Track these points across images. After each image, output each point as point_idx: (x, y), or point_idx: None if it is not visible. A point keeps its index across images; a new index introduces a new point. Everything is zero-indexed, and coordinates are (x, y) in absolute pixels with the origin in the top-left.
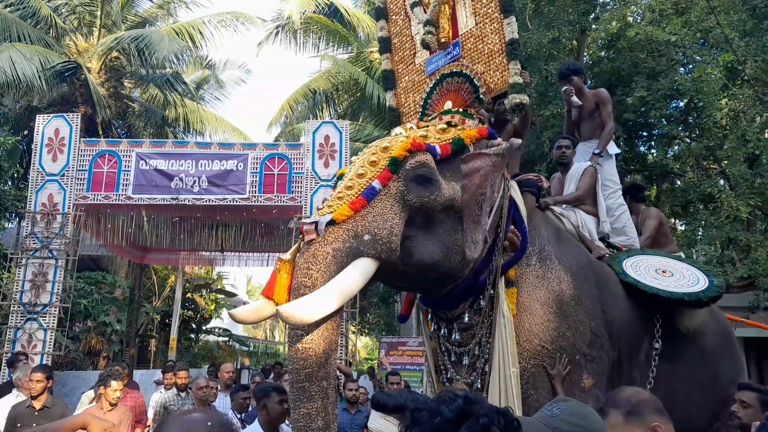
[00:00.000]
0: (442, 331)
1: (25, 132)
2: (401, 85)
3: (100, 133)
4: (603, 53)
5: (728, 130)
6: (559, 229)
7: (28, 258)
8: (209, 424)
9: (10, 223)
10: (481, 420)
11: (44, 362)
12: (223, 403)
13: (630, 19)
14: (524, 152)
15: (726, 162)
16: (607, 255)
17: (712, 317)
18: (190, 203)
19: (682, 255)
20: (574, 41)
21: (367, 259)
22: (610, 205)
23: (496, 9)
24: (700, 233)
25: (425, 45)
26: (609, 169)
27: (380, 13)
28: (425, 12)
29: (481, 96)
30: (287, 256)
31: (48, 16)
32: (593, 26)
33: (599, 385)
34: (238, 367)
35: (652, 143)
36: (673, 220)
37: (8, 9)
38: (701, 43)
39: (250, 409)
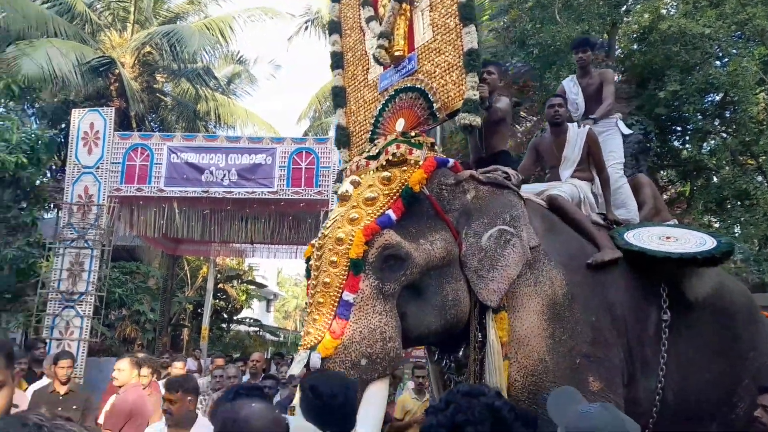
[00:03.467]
0: (444, 362)
1: (62, 125)
2: (352, 102)
3: (134, 126)
4: (635, 46)
5: (765, 125)
6: (549, 220)
7: (65, 248)
8: (276, 411)
9: (48, 214)
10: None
11: (80, 349)
12: None
13: (663, 11)
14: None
15: (763, 158)
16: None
17: (725, 280)
18: (221, 196)
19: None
20: (605, 34)
21: (376, 385)
22: (610, 176)
23: (455, 18)
24: (736, 230)
25: (376, 59)
26: (615, 141)
27: (333, 28)
28: (380, 25)
29: (435, 112)
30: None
31: (83, 12)
32: (625, 19)
33: (611, 388)
34: (268, 356)
35: (686, 138)
36: (708, 218)
37: (45, 5)
38: (736, 35)
39: (276, 399)
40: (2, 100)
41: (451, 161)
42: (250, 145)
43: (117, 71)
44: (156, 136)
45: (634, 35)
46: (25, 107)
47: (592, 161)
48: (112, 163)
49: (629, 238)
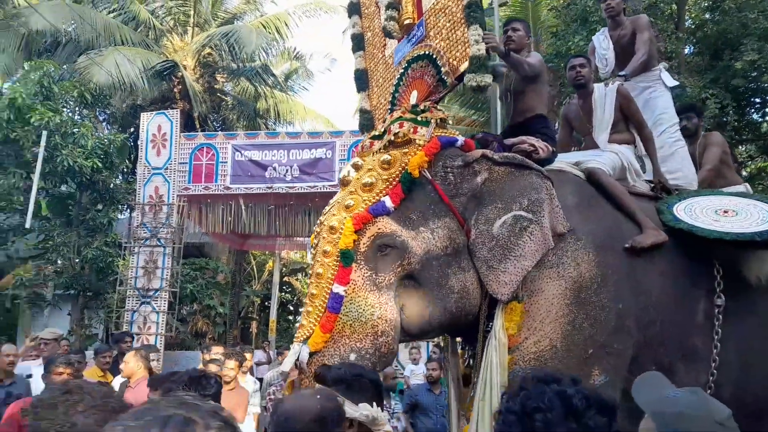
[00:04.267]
0: (465, 353)
1: (131, 129)
2: (373, 83)
3: (197, 127)
4: (707, 15)
5: None
6: (584, 193)
7: (140, 246)
8: (318, 397)
9: (122, 214)
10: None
11: (158, 343)
12: None
13: None
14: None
15: None
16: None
17: None
18: (284, 191)
19: (749, 189)
20: (674, 5)
21: None
22: (664, 141)
23: None
24: None
25: (387, 32)
26: (664, 101)
27: (353, 9)
28: None
29: (443, 77)
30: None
31: (147, 19)
32: None
33: (612, 383)
34: None
35: (766, 111)
36: None
37: (111, 15)
38: None
39: None
40: (77, 108)
41: (461, 139)
42: (310, 140)
43: (180, 74)
44: (220, 136)
45: (706, 4)
46: (97, 113)
47: (629, 120)
48: (180, 163)
49: (679, 213)
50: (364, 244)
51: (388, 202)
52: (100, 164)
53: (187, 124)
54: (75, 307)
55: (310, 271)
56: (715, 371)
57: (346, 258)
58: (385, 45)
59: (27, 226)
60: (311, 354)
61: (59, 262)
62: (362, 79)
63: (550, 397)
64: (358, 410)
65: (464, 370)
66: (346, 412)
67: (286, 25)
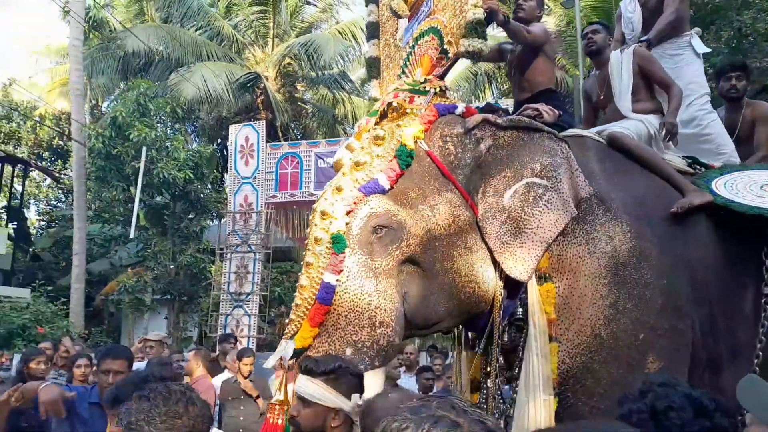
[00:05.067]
0: (478, 348)
1: (218, 140)
2: (384, 70)
3: (280, 136)
4: None
5: None
6: (610, 159)
7: (232, 252)
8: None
9: (212, 222)
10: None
11: (250, 345)
12: (407, 383)
13: None
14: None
15: None
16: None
17: None
18: None
19: None
20: None
21: (366, 378)
22: (694, 113)
23: None
24: None
25: (393, 11)
26: (693, 70)
27: None
28: None
29: (446, 48)
30: (279, 395)
31: (230, 33)
32: None
33: (675, 364)
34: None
35: None
36: None
37: (198, 32)
38: None
39: (434, 389)
40: (169, 123)
41: (461, 106)
42: None
43: (262, 85)
44: (303, 144)
45: None
46: (186, 127)
47: (652, 84)
48: (267, 172)
49: (718, 188)
50: (356, 226)
51: (383, 180)
52: (191, 175)
53: (270, 134)
54: (171, 311)
55: (302, 262)
56: (756, 369)
57: (338, 243)
58: (396, 29)
59: (132, 236)
60: (302, 350)
61: (155, 270)
62: (374, 67)
63: (680, 397)
64: (349, 403)
65: (473, 373)
66: (336, 403)
67: (362, 30)
